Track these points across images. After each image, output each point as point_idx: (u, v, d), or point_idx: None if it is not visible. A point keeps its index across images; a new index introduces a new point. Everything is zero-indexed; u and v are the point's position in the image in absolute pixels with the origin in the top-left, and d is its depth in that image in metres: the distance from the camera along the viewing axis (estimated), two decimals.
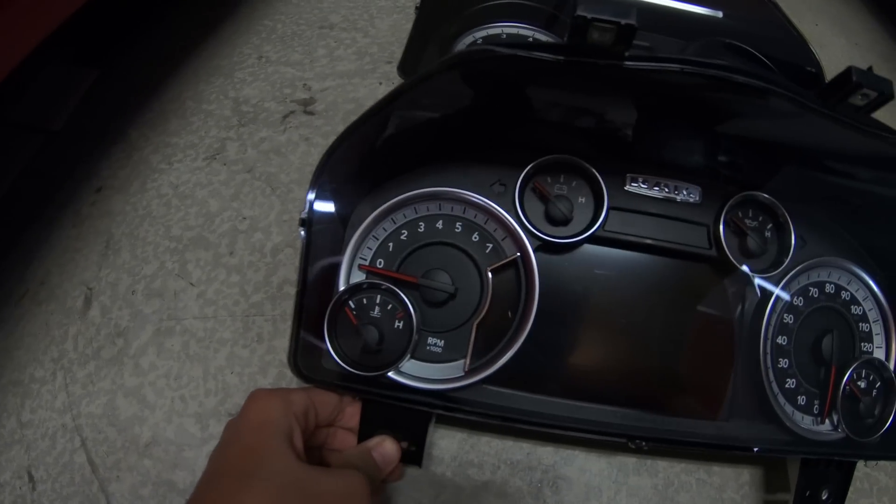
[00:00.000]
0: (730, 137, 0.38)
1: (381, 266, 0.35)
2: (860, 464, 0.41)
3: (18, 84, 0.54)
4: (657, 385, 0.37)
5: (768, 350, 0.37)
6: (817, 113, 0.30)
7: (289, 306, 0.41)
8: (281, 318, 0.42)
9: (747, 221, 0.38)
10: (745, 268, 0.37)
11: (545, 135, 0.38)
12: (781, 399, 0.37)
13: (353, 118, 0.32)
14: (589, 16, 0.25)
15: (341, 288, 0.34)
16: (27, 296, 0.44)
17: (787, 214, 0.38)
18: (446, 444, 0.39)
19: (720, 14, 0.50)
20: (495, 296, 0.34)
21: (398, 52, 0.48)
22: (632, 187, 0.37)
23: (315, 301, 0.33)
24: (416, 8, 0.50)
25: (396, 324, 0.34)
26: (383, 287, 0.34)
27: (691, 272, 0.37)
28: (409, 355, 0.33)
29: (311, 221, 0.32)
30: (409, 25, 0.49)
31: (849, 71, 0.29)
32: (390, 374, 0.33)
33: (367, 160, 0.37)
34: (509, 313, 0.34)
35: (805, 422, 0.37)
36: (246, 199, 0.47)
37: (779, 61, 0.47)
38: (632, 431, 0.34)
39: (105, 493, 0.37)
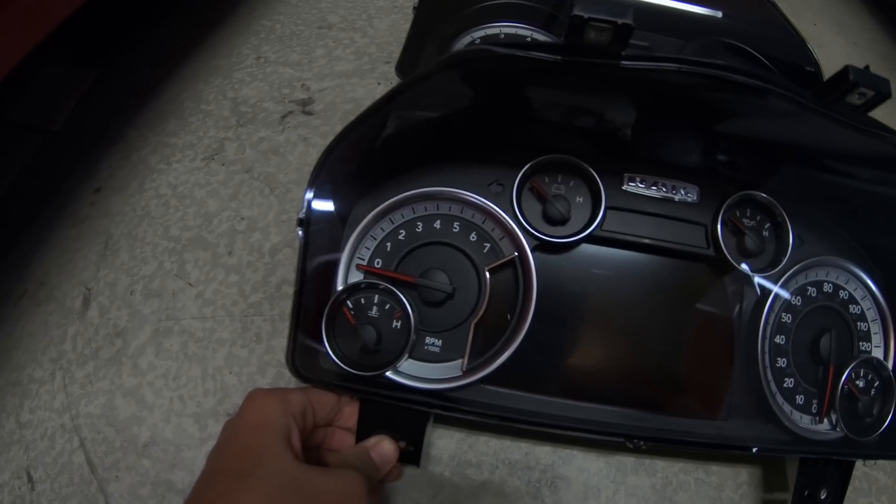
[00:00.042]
0: (728, 137, 0.38)
1: (379, 266, 0.35)
2: (859, 463, 0.41)
3: (18, 84, 0.54)
4: (655, 384, 0.37)
5: (766, 349, 0.37)
6: (814, 112, 0.30)
7: (287, 306, 0.41)
8: (279, 318, 0.42)
9: (745, 221, 0.38)
10: (744, 266, 0.37)
11: (543, 134, 0.38)
12: (780, 398, 0.37)
13: (352, 118, 0.32)
14: (585, 15, 0.25)
15: (339, 288, 0.34)
16: (26, 296, 0.44)
17: (784, 214, 0.38)
18: (444, 443, 0.39)
19: (720, 14, 0.50)
20: (493, 295, 0.34)
21: (396, 52, 0.48)
22: (629, 187, 0.37)
23: (313, 301, 0.33)
24: (415, 8, 0.50)
25: (394, 323, 0.34)
26: (381, 287, 0.34)
27: (689, 272, 0.37)
28: (406, 355, 0.33)
29: (308, 221, 0.32)
30: (408, 25, 0.49)
31: (846, 70, 0.29)
32: (388, 373, 0.33)
33: (365, 160, 0.37)
34: (508, 316, 0.34)
35: (803, 421, 0.37)
36: (244, 199, 0.47)
37: (777, 61, 0.47)
38: (630, 431, 0.34)
39: (104, 493, 0.37)
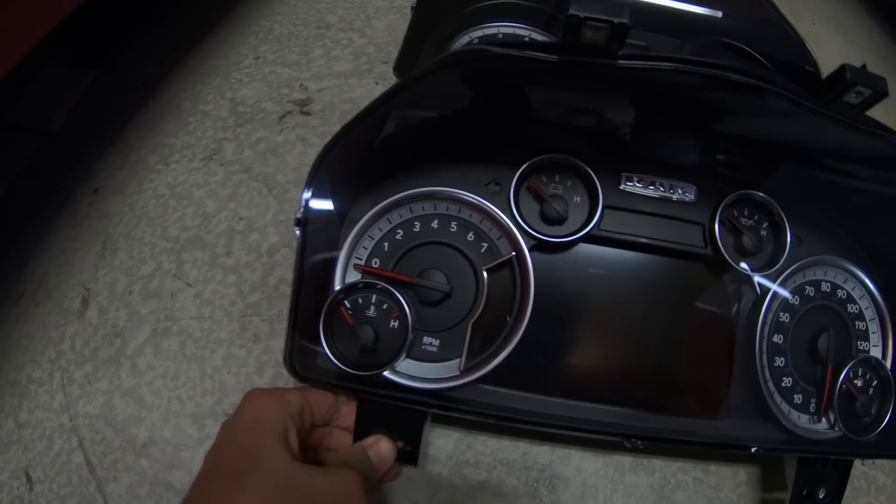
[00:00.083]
0: (726, 136, 0.38)
1: (376, 266, 0.35)
2: (857, 462, 0.41)
3: (16, 85, 0.54)
4: (653, 384, 0.37)
5: (764, 349, 0.37)
6: (811, 111, 0.30)
7: (285, 306, 0.41)
8: (277, 318, 0.42)
9: (743, 220, 0.38)
10: (743, 265, 0.37)
11: (540, 134, 0.38)
12: (778, 398, 0.37)
13: (350, 118, 0.32)
14: (582, 15, 0.25)
15: (337, 287, 0.34)
16: (25, 296, 0.44)
17: (782, 213, 0.38)
18: (442, 443, 0.39)
19: (719, 14, 0.50)
20: (490, 295, 0.34)
21: (395, 53, 0.48)
22: (627, 186, 0.37)
23: (311, 301, 0.33)
24: (412, 8, 0.50)
25: (392, 323, 0.34)
26: (379, 286, 0.34)
27: (687, 271, 0.37)
28: (404, 354, 0.33)
29: (306, 221, 0.33)
30: (406, 25, 0.49)
31: (843, 69, 0.29)
32: (386, 373, 0.33)
33: (362, 160, 0.37)
34: (508, 318, 0.34)
35: (802, 420, 0.37)
36: (243, 199, 0.47)
37: (776, 60, 0.47)
38: (627, 431, 0.34)
39: (102, 493, 0.37)
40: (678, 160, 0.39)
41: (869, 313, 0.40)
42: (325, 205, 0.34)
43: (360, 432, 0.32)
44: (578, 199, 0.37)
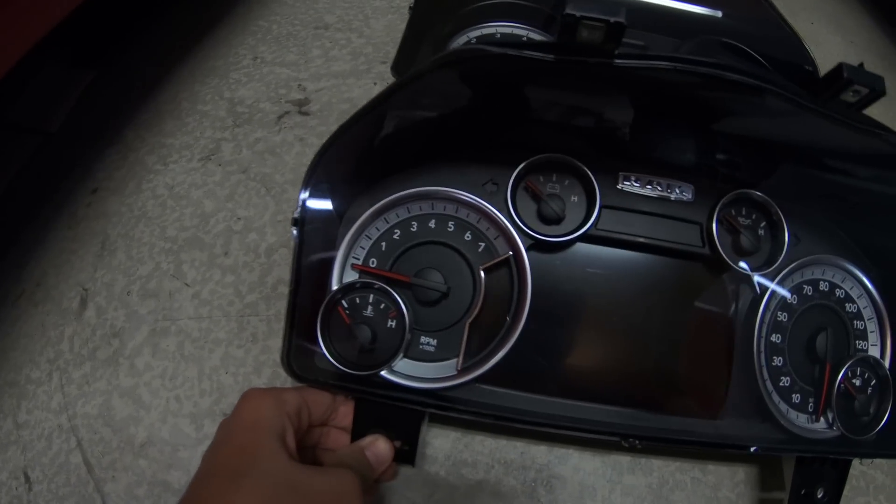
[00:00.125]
0: (725, 136, 0.38)
1: (373, 265, 0.35)
2: (856, 462, 0.41)
3: (15, 85, 0.54)
4: (650, 383, 0.37)
5: (762, 348, 0.37)
6: (808, 110, 0.30)
7: (283, 306, 0.41)
8: (275, 318, 0.42)
9: (740, 219, 0.38)
10: (742, 265, 0.37)
11: (538, 134, 0.38)
12: (776, 397, 0.37)
13: (348, 118, 0.32)
14: (578, 14, 0.25)
15: (334, 287, 0.34)
16: (23, 297, 0.45)
17: (780, 212, 0.38)
18: (440, 443, 0.39)
19: (719, 14, 0.50)
20: (488, 295, 0.34)
21: (393, 53, 0.48)
22: (624, 186, 0.37)
23: (308, 301, 0.33)
24: (410, 8, 0.50)
25: (389, 323, 0.34)
26: (376, 286, 0.34)
27: (684, 271, 0.37)
28: (401, 354, 0.33)
29: (303, 221, 0.33)
30: (404, 25, 0.49)
31: (840, 67, 0.29)
32: (383, 373, 0.33)
33: (360, 160, 0.37)
34: (508, 318, 0.34)
35: (800, 420, 0.37)
36: (241, 199, 0.47)
37: (774, 60, 0.47)
38: (625, 430, 0.34)
39: (101, 493, 0.37)
40: (676, 160, 0.39)
41: (867, 312, 0.40)
42: (323, 204, 0.34)
43: (357, 432, 0.32)
44: (576, 198, 0.37)
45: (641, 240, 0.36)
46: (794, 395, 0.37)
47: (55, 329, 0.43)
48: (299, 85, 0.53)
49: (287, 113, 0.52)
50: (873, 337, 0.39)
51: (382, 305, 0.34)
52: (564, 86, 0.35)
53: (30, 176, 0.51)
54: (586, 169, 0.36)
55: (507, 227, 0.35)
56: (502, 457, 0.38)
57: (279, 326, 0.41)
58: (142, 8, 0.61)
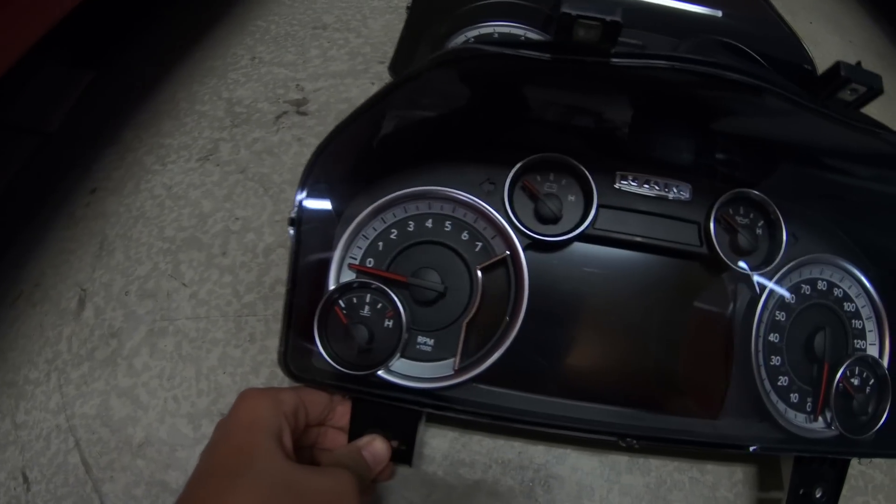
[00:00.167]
0: (723, 135, 0.38)
1: (371, 265, 0.35)
2: (855, 461, 0.41)
3: (14, 85, 0.54)
4: (647, 383, 0.36)
5: (760, 348, 0.37)
6: (806, 108, 0.30)
7: (281, 306, 0.41)
8: (273, 318, 0.42)
9: (738, 218, 0.38)
10: (741, 264, 0.36)
11: (535, 133, 0.38)
12: (774, 397, 0.37)
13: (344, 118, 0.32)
14: (574, 13, 0.25)
15: (331, 287, 0.34)
16: (21, 297, 0.45)
17: (778, 211, 0.38)
18: (437, 443, 0.39)
19: (719, 13, 0.50)
20: (485, 294, 0.34)
21: (391, 52, 0.48)
22: (621, 185, 0.37)
23: (305, 301, 0.33)
24: (408, 7, 0.50)
25: (386, 323, 0.34)
26: (373, 286, 0.34)
27: (682, 270, 0.37)
28: (398, 354, 0.33)
29: (300, 221, 0.33)
30: (402, 25, 0.49)
31: (837, 66, 0.29)
32: (380, 372, 0.33)
33: (357, 159, 0.37)
34: (507, 318, 0.34)
35: (798, 419, 0.37)
36: (239, 199, 0.47)
37: (772, 59, 0.47)
38: (622, 430, 0.33)
39: (98, 493, 0.37)
40: (674, 159, 0.39)
41: (865, 312, 0.39)
42: (320, 204, 0.34)
43: (354, 432, 0.32)
44: (573, 197, 0.37)
45: (639, 239, 0.36)
46: (792, 395, 0.37)
47: (53, 329, 0.43)
48: (297, 85, 0.53)
49: (285, 113, 0.52)
50: (872, 336, 0.39)
51: (379, 305, 0.34)
52: (562, 85, 0.35)
53: (28, 176, 0.51)
54: (583, 168, 0.36)
55: (504, 226, 0.35)
56: (500, 457, 0.38)
57: (277, 326, 0.41)
58: (140, 8, 0.61)
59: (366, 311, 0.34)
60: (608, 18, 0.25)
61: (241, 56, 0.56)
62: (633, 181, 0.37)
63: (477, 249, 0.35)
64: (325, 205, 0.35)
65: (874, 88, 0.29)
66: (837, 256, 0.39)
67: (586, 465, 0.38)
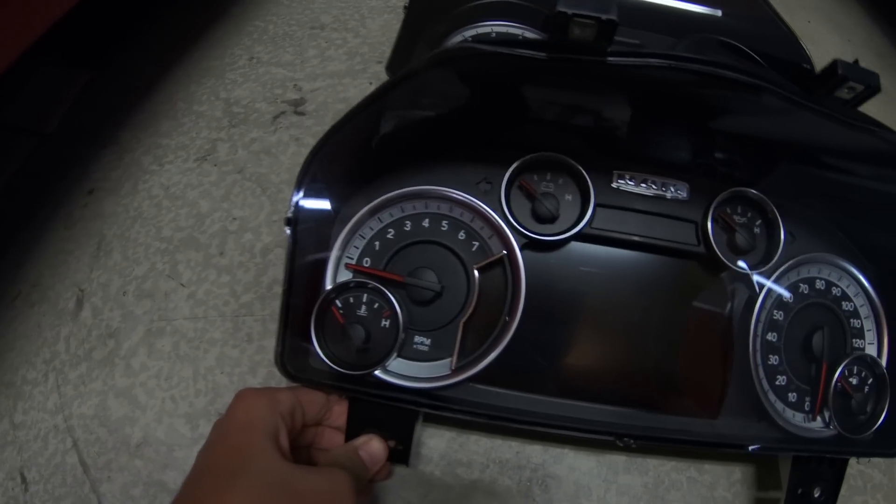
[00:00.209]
0: (721, 134, 0.38)
1: (367, 265, 0.35)
2: (853, 461, 0.41)
3: (11, 86, 0.55)
4: (645, 383, 0.36)
5: (758, 347, 0.37)
6: (803, 107, 0.30)
7: (278, 306, 0.41)
8: (270, 318, 0.42)
9: (736, 218, 0.38)
10: (740, 263, 0.36)
11: (532, 132, 0.38)
12: (772, 396, 0.37)
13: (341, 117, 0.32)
14: (569, 11, 0.25)
15: (328, 287, 0.34)
16: (19, 297, 0.45)
17: (775, 210, 0.38)
18: (435, 442, 0.38)
19: (719, 13, 0.50)
20: (482, 294, 0.34)
21: (389, 53, 0.48)
22: (619, 184, 0.37)
23: (302, 300, 0.33)
24: (405, 7, 0.50)
25: (383, 322, 0.34)
26: (370, 286, 0.34)
27: (680, 269, 0.37)
28: (395, 354, 0.33)
29: (296, 221, 0.32)
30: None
31: (834, 64, 0.29)
32: (377, 372, 0.33)
33: (353, 159, 0.37)
34: (506, 318, 0.34)
35: (796, 419, 0.37)
36: (236, 199, 0.47)
37: (770, 58, 0.47)
38: (619, 429, 0.33)
39: (96, 493, 0.37)
40: (671, 158, 0.39)
41: (864, 311, 0.39)
42: (316, 204, 0.34)
43: (351, 432, 0.32)
44: (570, 197, 0.37)
45: (636, 238, 0.36)
46: (790, 394, 0.37)
47: (51, 330, 0.43)
48: (295, 85, 0.53)
49: (283, 113, 0.52)
50: (870, 335, 0.39)
51: (376, 305, 0.34)
52: (559, 85, 0.35)
53: (26, 177, 0.51)
54: (580, 167, 0.36)
55: (500, 226, 0.35)
56: (497, 456, 0.38)
57: (274, 326, 0.41)
58: (138, 8, 0.61)
59: (362, 310, 0.34)
60: (604, 17, 0.25)
61: (239, 56, 0.56)
62: (630, 180, 0.37)
63: (474, 249, 0.35)
64: (321, 204, 0.35)
65: (871, 87, 0.29)
66: (836, 255, 0.39)
67: (584, 465, 0.38)
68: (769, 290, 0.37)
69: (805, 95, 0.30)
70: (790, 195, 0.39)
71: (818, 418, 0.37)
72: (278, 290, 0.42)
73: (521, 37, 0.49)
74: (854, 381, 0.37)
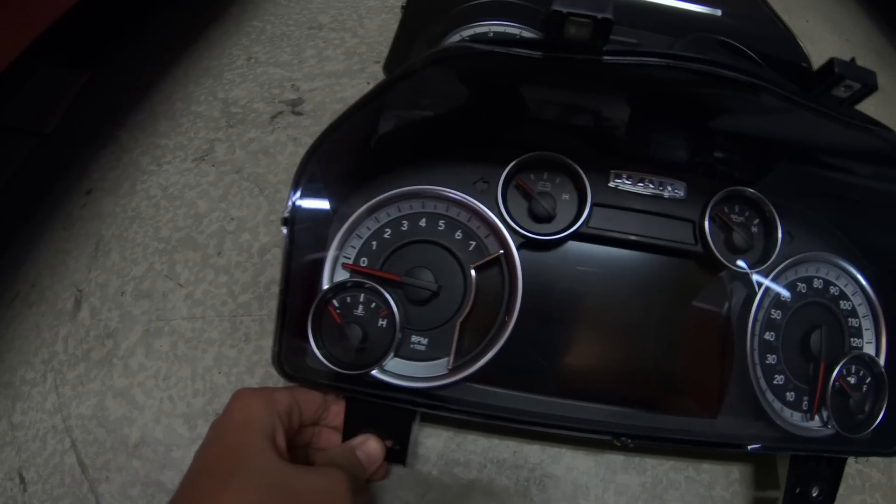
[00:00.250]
0: (719, 133, 0.38)
1: (364, 265, 0.35)
2: (852, 460, 0.41)
3: (10, 86, 0.55)
4: (642, 382, 0.36)
5: (756, 346, 0.36)
6: (800, 105, 0.30)
7: (276, 306, 0.41)
8: (268, 318, 0.42)
9: (733, 217, 0.38)
10: (739, 262, 0.36)
11: (530, 132, 0.38)
12: (770, 395, 0.36)
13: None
14: (565, 10, 0.25)
15: (325, 287, 0.34)
16: (18, 298, 0.45)
17: (773, 209, 0.38)
18: (432, 442, 0.38)
19: (719, 12, 0.50)
20: (478, 294, 0.34)
21: (386, 52, 0.48)
22: (616, 183, 0.37)
23: (299, 300, 0.33)
24: (402, 7, 0.50)
25: (380, 322, 0.34)
26: (367, 285, 0.34)
27: (677, 269, 0.37)
28: (392, 353, 0.33)
29: (293, 220, 0.33)
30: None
31: (831, 62, 0.29)
32: (374, 372, 0.33)
33: (350, 159, 0.37)
34: (503, 318, 0.34)
35: (794, 418, 0.37)
36: (234, 199, 0.47)
37: (768, 57, 0.47)
38: (617, 429, 0.33)
39: (95, 493, 0.37)
40: (669, 157, 0.39)
41: (862, 310, 0.39)
42: (313, 204, 0.34)
43: (348, 431, 0.32)
44: (567, 196, 0.37)
45: (633, 238, 0.36)
46: (788, 394, 0.37)
47: (50, 330, 0.43)
48: (293, 85, 0.53)
49: (280, 113, 0.52)
50: (868, 335, 0.39)
51: (373, 305, 0.34)
52: (556, 84, 0.35)
53: (25, 177, 0.51)
54: (577, 167, 0.36)
55: (497, 225, 0.35)
56: (495, 456, 0.38)
57: (272, 326, 0.41)
58: (136, 9, 0.61)
59: (359, 310, 0.34)
60: (599, 16, 0.25)
61: (237, 56, 0.56)
62: (627, 179, 0.37)
63: (470, 248, 0.35)
64: (318, 204, 0.35)
65: (868, 85, 0.29)
66: (833, 254, 0.39)
67: (582, 465, 0.38)
68: (767, 289, 0.37)
69: (802, 94, 0.30)
70: (788, 194, 0.39)
71: (816, 417, 0.37)
72: (276, 290, 0.42)
73: (518, 36, 0.49)
74: (852, 380, 0.37)
